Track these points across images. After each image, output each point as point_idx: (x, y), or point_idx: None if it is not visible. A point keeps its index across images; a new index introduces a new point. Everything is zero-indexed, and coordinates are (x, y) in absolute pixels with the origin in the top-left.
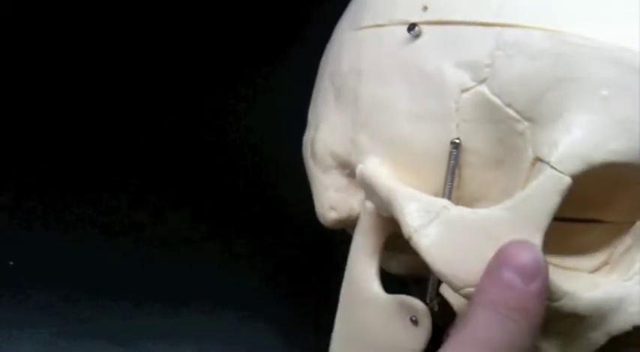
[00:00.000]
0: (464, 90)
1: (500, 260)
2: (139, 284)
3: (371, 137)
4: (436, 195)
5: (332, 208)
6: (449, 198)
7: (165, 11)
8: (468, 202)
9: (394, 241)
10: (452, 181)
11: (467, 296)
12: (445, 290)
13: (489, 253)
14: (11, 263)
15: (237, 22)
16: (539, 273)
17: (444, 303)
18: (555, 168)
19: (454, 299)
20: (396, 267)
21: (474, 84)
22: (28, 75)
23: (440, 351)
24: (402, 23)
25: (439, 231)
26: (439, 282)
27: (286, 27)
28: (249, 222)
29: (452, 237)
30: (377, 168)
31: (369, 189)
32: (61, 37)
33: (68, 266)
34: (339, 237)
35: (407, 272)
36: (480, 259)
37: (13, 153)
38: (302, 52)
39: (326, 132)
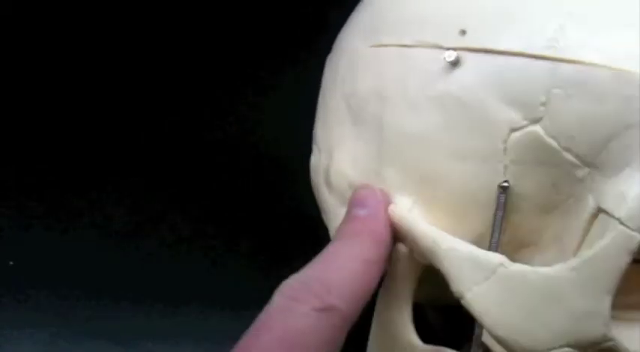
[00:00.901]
0: (514, 130)
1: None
2: (139, 284)
3: (400, 172)
4: (477, 242)
5: None
6: (496, 248)
7: (166, 11)
8: (514, 249)
9: None
10: (500, 229)
11: None
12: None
13: (555, 317)
14: (11, 263)
15: (239, 23)
16: (371, 200)
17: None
18: (625, 225)
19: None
20: (415, 296)
21: (525, 123)
22: (28, 75)
23: (307, 267)
24: (435, 47)
25: (496, 291)
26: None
27: (289, 28)
28: (249, 222)
29: (511, 299)
30: (412, 211)
31: (404, 234)
32: (61, 37)
33: (68, 267)
34: None
35: (427, 302)
36: (544, 323)
37: (13, 153)
38: (305, 53)
39: (344, 161)
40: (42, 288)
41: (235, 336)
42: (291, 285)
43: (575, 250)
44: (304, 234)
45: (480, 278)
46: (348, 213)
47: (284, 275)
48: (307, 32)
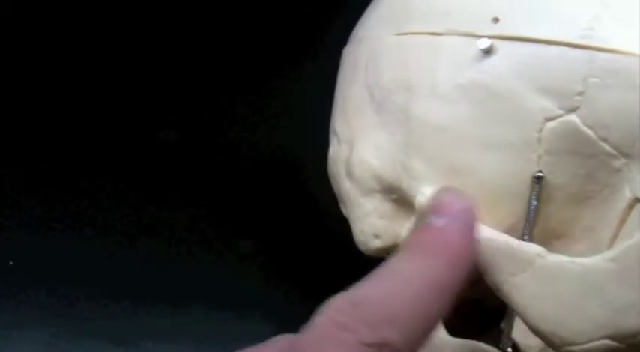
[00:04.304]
0: (549, 119)
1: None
2: (139, 284)
3: (428, 163)
4: (508, 232)
5: (376, 236)
6: (529, 239)
7: (167, 13)
8: (545, 240)
9: None
10: (533, 220)
11: None
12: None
13: (593, 308)
14: (11, 263)
15: (241, 25)
16: (454, 209)
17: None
18: None
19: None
20: None
21: (561, 112)
22: (28, 75)
23: (361, 285)
24: (466, 35)
25: (534, 283)
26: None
27: (290, 29)
28: (249, 222)
29: (550, 290)
30: None
31: None
32: (61, 37)
33: (68, 267)
34: (342, 236)
35: None
36: (583, 314)
37: (13, 153)
38: (306, 54)
39: (368, 152)
40: (42, 288)
41: (235, 336)
42: (339, 306)
43: (610, 241)
44: (304, 234)
45: (517, 269)
46: (422, 220)
47: (283, 276)
48: (308, 33)
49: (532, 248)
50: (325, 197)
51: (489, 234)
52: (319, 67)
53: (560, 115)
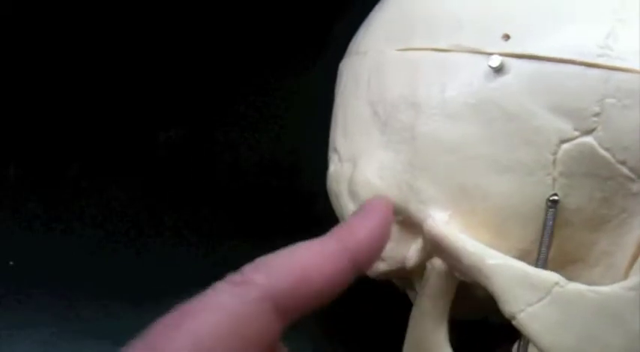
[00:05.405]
0: (564, 141)
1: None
2: (139, 284)
3: (436, 184)
4: (519, 258)
5: (381, 259)
6: (544, 265)
7: (168, 16)
8: (561, 265)
9: None
10: (549, 245)
11: None
12: None
13: (614, 339)
14: (11, 263)
15: (242, 28)
16: (372, 206)
17: None
18: None
19: None
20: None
21: (577, 134)
22: (28, 75)
23: None
24: (474, 52)
25: (552, 312)
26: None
27: (292, 32)
28: (250, 223)
29: (568, 320)
30: (449, 226)
31: (443, 250)
32: (61, 37)
33: (68, 266)
34: None
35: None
36: (602, 344)
37: (13, 152)
38: (308, 57)
39: (372, 171)
40: (42, 288)
41: None
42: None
43: (627, 267)
44: (306, 235)
45: (534, 298)
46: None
47: None
48: (310, 33)
49: (550, 276)
50: (325, 197)
51: (502, 259)
52: (321, 67)
53: (576, 137)
